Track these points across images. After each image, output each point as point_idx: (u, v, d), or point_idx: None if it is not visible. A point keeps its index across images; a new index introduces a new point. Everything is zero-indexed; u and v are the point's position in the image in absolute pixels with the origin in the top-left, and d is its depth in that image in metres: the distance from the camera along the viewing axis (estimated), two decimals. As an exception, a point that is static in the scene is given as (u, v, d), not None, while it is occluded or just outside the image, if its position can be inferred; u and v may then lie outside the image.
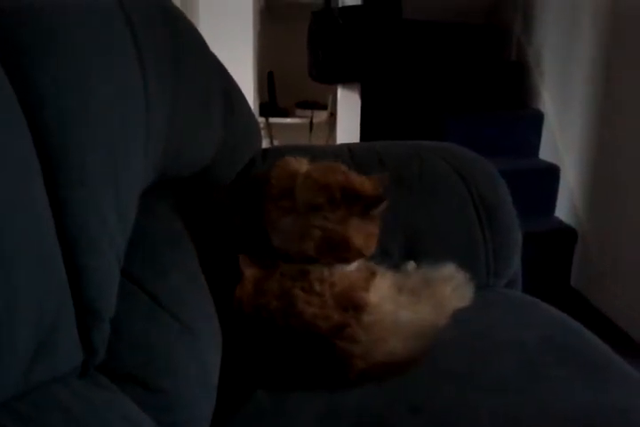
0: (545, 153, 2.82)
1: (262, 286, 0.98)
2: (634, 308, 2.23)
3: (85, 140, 0.66)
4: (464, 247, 1.27)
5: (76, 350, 0.64)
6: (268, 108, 3.59)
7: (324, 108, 3.71)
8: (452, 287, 1.12)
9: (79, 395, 0.63)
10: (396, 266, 1.16)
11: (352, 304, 0.98)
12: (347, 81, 2.89)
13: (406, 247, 1.25)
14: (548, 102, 2.80)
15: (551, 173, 2.68)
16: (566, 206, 2.65)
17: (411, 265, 1.18)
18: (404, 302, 1.04)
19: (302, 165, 1.11)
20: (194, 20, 1.18)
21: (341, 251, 1.03)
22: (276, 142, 3.53)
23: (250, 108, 1.35)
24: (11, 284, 0.53)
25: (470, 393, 0.90)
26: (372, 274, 1.07)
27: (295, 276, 0.99)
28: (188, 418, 0.78)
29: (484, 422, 0.83)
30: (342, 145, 1.49)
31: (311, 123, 3.67)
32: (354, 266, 1.07)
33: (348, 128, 2.94)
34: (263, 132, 3.26)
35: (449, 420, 0.84)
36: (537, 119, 2.83)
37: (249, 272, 0.99)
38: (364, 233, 1.05)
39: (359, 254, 1.05)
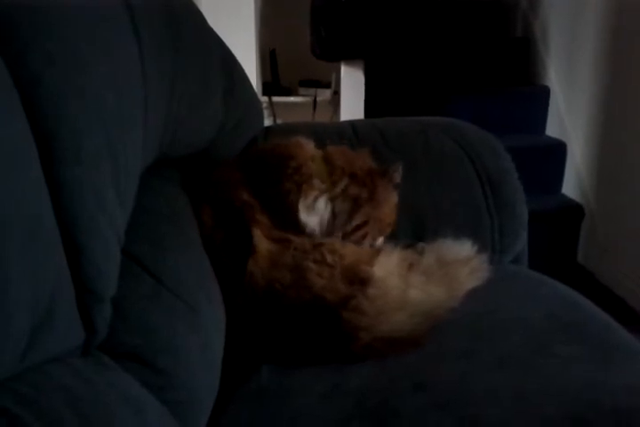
0: (552, 130, 2.79)
1: (276, 261, 0.99)
2: (641, 284, 2.23)
3: (80, 118, 0.65)
4: (470, 224, 1.26)
5: (76, 329, 0.64)
6: (270, 86, 3.56)
7: (328, 86, 3.69)
8: (470, 270, 1.12)
9: (81, 375, 0.63)
10: (407, 246, 1.16)
11: (358, 278, 0.99)
12: (350, 58, 2.86)
13: (411, 224, 1.25)
14: (554, 78, 2.76)
15: (558, 150, 2.65)
16: (573, 183, 2.63)
17: (420, 247, 1.18)
18: (416, 282, 1.05)
19: (311, 145, 1.15)
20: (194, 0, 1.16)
21: (385, 230, 1.14)
22: (279, 121, 3.51)
23: (252, 87, 1.34)
24: (4, 263, 0.52)
25: (474, 371, 0.89)
26: (378, 250, 1.09)
27: (308, 249, 1.01)
28: (190, 396, 0.78)
29: (488, 400, 0.83)
30: (345, 122, 1.48)
31: (314, 101, 3.65)
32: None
33: (351, 106, 2.92)
34: (266, 112, 3.24)
35: (452, 397, 0.84)
36: (543, 95, 2.79)
37: (262, 246, 0.99)
38: (394, 208, 1.15)
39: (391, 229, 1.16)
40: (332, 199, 1.08)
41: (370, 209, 1.09)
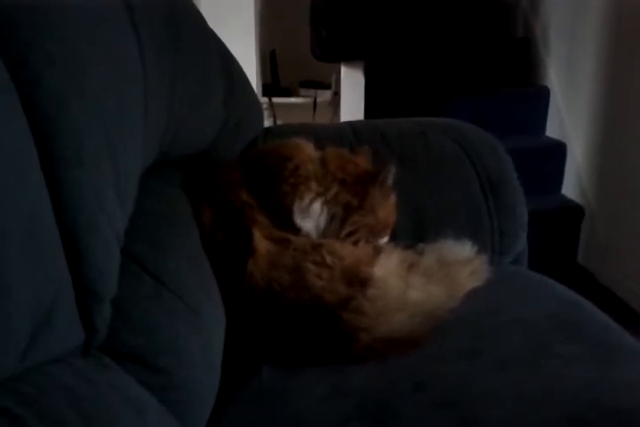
0: (552, 130, 2.79)
1: (276, 261, 0.99)
2: (641, 285, 2.22)
3: (80, 118, 0.65)
4: (470, 224, 1.26)
5: (76, 329, 0.64)
6: (270, 87, 3.56)
7: (328, 87, 3.69)
8: (470, 271, 1.12)
9: (82, 375, 0.63)
10: (408, 247, 1.15)
11: (358, 278, 0.99)
12: (350, 59, 2.86)
13: (411, 225, 1.24)
14: (554, 79, 2.76)
15: (558, 151, 2.65)
16: (573, 184, 2.63)
17: (420, 247, 1.18)
18: (416, 282, 1.05)
19: (310, 147, 1.15)
20: (194, 0, 1.16)
21: (383, 233, 1.13)
22: (279, 122, 3.51)
23: (252, 88, 1.34)
24: (4, 264, 0.52)
25: (475, 371, 0.89)
26: (378, 251, 1.08)
27: (308, 250, 1.01)
28: (192, 397, 0.78)
29: (488, 400, 0.83)
30: (345, 123, 1.48)
31: (315, 102, 3.65)
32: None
33: (352, 107, 2.92)
34: (266, 113, 3.24)
35: (453, 398, 0.84)
36: (544, 96, 2.79)
37: (262, 247, 0.99)
38: (390, 210, 1.13)
39: (392, 228, 1.15)
40: (326, 203, 1.07)
41: (359, 217, 1.08)
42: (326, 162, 1.11)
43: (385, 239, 1.15)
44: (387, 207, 1.12)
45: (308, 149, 1.14)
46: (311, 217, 1.06)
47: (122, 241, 0.74)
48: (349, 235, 1.08)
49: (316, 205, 1.06)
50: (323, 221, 1.07)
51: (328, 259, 1.00)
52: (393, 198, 1.14)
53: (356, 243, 1.09)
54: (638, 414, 0.80)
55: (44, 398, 0.57)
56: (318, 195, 1.07)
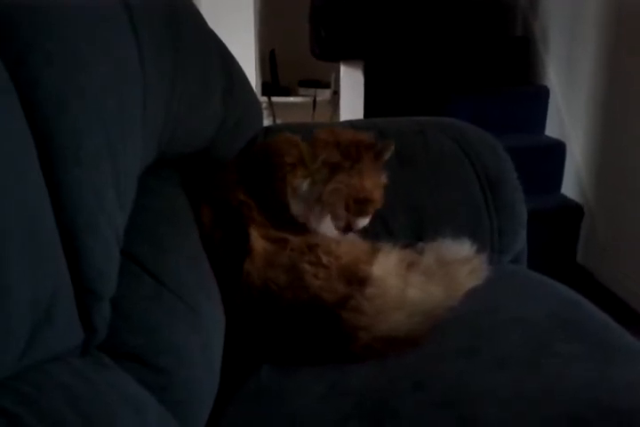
0: (551, 129, 2.79)
1: (272, 261, 0.99)
2: (640, 284, 2.23)
3: (80, 118, 0.65)
4: (469, 223, 1.26)
5: (75, 329, 0.64)
6: (270, 86, 3.56)
7: (327, 86, 3.69)
8: (470, 270, 1.12)
9: (80, 375, 0.63)
10: (407, 246, 1.15)
11: (356, 277, 0.99)
12: (350, 58, 2.86)
13: (411, 224, 1.25)
14: (554, 78, 2.76)
15: (557, 150, 2.65)
16: (573, 183, 2.63)
17: (419, 246, 1.18)
18: (415, 281, 1.05)
19: (298, 137, 1.13)
20: (194, 0, 1.16)
21: (365, 205, 1.08)
22: (278, 122, 3.51)
23: (251, 87, 1.34)
24: (4, 263, 0.52)
25: (474, 370, 0.89)
26: (376, 249, 1.08)
27: (304, 250, 1.01)
28: (191, 396, 0.78)
29: (487, 399, 0.83)
30: (345, 122, 1.48)
31: (314, 101, 3.65)
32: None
33: (351, 107, 2.92)
34: (265, 112, 3.24)
35: (452, 397, 0.84)
36: (543, 95, 2.79)
37: (259, 246, 0.99)
38: (378, 185, 1.09)
39: (377, 207, 1.10)
40: (312, 177, 1.06)
41: (347, 177, 1.05)
42: (316, 138, 1.10)
43: (365, 221, 1.10)
44: (376, 181, 1.09)
45: (293, 138, 1.12)
46: (302, 201, 1.06)
47: (121, 241, 0.74)
48: (331, 194, 1.05)
49: (304, 186, 1.05)
50: (309, 190, 1.05)
51: (324, 259, 1.00)
52: (384, 179, 1.11)
53: (334, 204, 1.06)
54: (638, 413, 0.80)
55: (43, 397, 0.57)
56: (305, 177, 1.06)
